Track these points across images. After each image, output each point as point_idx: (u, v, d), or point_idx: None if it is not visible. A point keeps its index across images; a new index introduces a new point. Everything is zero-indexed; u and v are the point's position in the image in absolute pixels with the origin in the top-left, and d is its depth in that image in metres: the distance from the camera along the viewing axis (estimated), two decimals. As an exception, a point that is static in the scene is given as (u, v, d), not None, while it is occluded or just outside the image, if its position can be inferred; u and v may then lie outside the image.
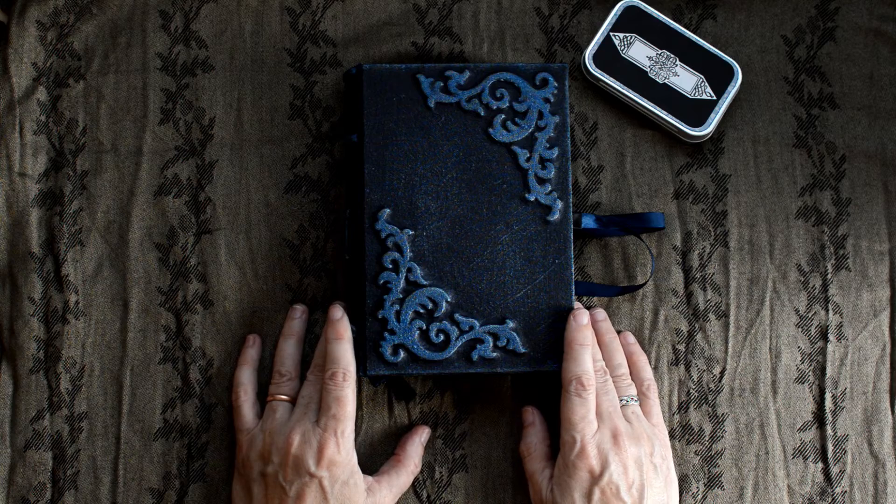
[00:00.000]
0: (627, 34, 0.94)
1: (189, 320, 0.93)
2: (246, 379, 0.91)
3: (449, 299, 0.87)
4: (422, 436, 0.91)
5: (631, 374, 0.89)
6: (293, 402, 0.89)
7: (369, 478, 0.87)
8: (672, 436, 0.91)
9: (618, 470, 0.83)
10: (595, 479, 0.83)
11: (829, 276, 0.93)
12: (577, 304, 0.88)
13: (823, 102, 0.95)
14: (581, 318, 0.86)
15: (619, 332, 0.92)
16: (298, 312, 0.92)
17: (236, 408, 0.90)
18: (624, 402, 0.87)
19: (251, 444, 0.87)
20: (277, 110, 0.95)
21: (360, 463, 0.88)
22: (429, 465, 0.92)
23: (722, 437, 0.92)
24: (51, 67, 0.95)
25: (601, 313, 0.90)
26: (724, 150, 0.94)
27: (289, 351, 0.91)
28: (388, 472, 0.89)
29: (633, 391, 0.88)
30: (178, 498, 0.92)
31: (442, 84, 0.88)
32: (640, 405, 0.89)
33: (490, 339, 0.87)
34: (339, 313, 0.87)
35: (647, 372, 0.90)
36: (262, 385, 0.92)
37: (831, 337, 0.93)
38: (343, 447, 0.84)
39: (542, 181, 0.88)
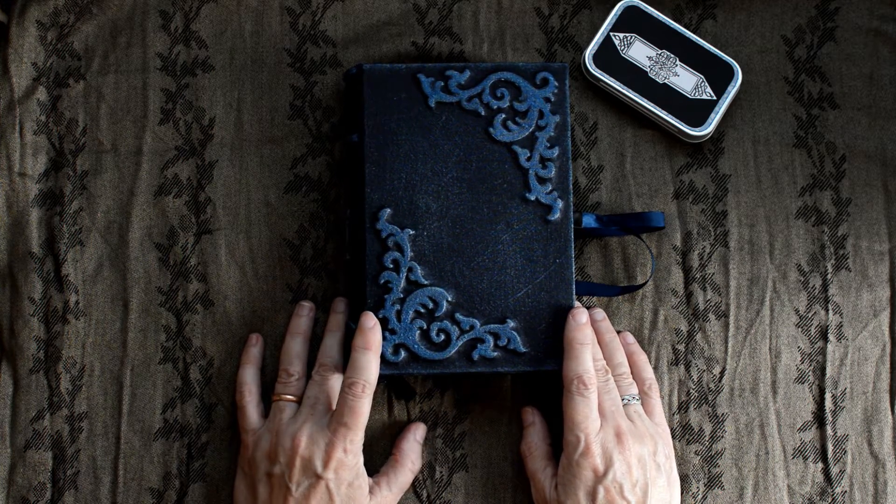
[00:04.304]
0: (627, 34, 0.94)
1: (189, 320, 0.93)
2: (250, 378, 0.91)
3: (450, 299, 0.87)
4: (417, 433, 0.91)
5: (632, 373, 0.90)
6: (300, 402, 0.88)
7: (370, 479, 0.87)
8: (672, 436, 0.91)
9: (622, 469, 0.83)
10: (599, 478, 0.83)
11: (829, 276, 0.93)
12: (576, 304, 0.88)
13: (823, 102, 0.95)
14: (580, 317, 0.86)
15: (618, 333, 0.92)
16: (305, 310, 0.91)
17: (241, 407, 0.90)
18: (626, 402, 0.87)
19: (257, 444, 0.87)
20: (277, 110, 0.95)
21: (360, 463, 0.88)
22: (429, 465, 0.92)
23: (722, 437, 0.92)
24: (51, 67, 0.95)
25: (600, 313, 0.90)
26: (724, 150, 0.94)
27: (296, 350, 0.90)
28: (387, 472, 0.89)
29: (634, 390, 0.88)
30: (178, 498, 0.92)
31: (442, 83, 0.88)
32: (642, 404, 0.89)
33: (491, 339, 0.87)
34: (371, 322, 0.86)
35: (648, 371, 0.90)
36: (265, 384, 0.92)
37: (831, 337, 0.93)
38: (350, 453, 0.84)
39: (542, 180, 0.88)
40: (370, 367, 0.85)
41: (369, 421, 0.92)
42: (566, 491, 0.84)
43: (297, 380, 0.89)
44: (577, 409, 0.84)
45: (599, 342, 0.89)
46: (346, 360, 0.87)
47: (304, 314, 0.91)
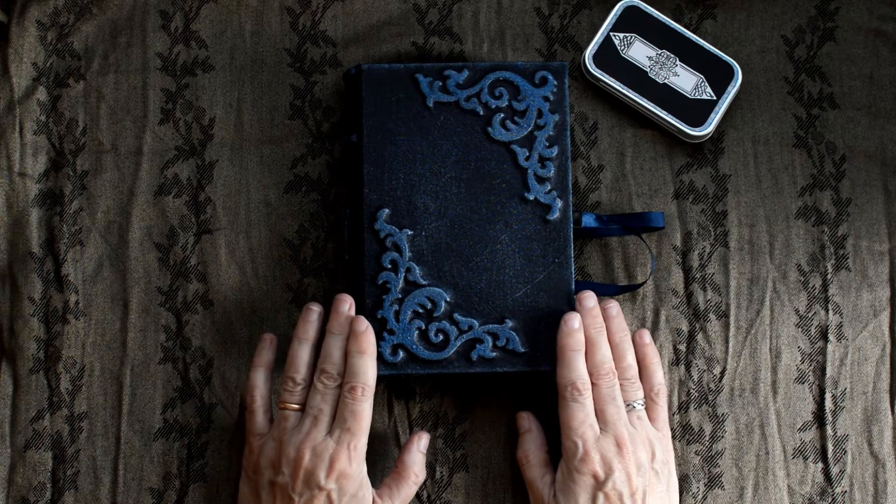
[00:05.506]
0: (627, 34, 0.94)
1: (189, 320, 0.93)
2: (261, 382, 0.89)
3: (448, 299, 0.87)
4: (420, 443, 0.89)
5: (642, 375, 0.88)
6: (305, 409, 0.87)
7: (372, 490, 0.86)
8: (672, 436, 0.91)
9: (621, 477, 0.83)
10: (599, 484, 0.83)
11: (829, 276, 0.93)
12: (578, 302, 0.87)
13: (823, 102, 0.95)
14: (572, 322, 0.86)
15: (634, 331, 0.90)
16: (314, 314, 0.88)
17: (250, 412, 0.88)
18: (630, 407, 0.86)
19: (262, 451, 0.86)
20: (277, 110, 0.95)
21: (359, 465, 0.87)
22: (429, 465, 0.92)
23: (722, 437, 0.92)
24: (51, 67, 0.95)
25: (614, 308, 0.88)
26: (724, 150, 0.94)
27: (304, 357, 0.87)
28: (390, 484, 0.87)
29: (640, 395, 0.87)
30: (178, 498, 0.92)
31: (441, 83, 0.88)
32: (648, 409, 0.87)
33: (489, 339, 0.87)
34: (363, 325, 0.85)
35: (659, 376, 0.89)
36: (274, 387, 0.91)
37: (831, 337, 0.93)
38: (355, 460, 0.84)
39: (541, 180, 0.88)
40: (367, 371, 0.84)
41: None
42: (566, 498, 0.84)
43: (303, 388, 0.86)
44: (573, 414, 0.84)
45: (610, 341, 0.87)
46: None
47: (313, 319, 0.88)
